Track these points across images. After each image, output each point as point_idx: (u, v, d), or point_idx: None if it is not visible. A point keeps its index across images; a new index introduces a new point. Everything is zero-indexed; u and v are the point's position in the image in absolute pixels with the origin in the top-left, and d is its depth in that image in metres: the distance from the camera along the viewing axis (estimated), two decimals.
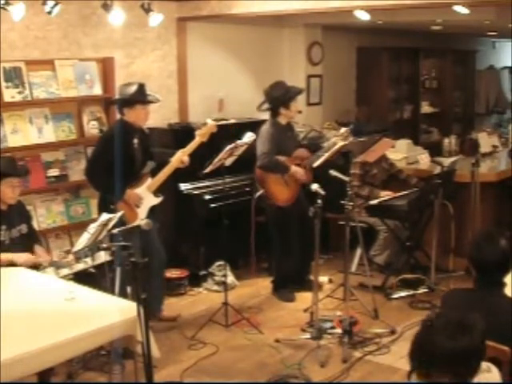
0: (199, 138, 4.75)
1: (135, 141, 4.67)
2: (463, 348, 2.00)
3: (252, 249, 5.58)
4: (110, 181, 4.48)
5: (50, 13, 4.64)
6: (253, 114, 6.68)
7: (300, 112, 5.30)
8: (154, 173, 4.78)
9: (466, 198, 5.61)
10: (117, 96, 4.84)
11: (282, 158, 5.25)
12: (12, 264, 4.00)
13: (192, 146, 4.76)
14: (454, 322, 2.06)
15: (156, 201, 4.77)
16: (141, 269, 3.01)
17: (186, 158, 4.75)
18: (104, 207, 4.46)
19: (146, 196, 4.70)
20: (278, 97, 5.23)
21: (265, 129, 5.27)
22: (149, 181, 4.73)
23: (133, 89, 4.61)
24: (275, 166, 5.22)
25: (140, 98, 4.62)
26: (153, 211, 4.74)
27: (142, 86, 4.64)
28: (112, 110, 5.47)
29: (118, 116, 4.92)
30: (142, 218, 4.50)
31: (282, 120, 5.31)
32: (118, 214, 3.98)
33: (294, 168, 5.27)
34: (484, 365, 2.09)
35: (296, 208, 5.30)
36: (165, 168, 4.74)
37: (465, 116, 10.81)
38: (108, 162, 4.48)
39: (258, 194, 5.38)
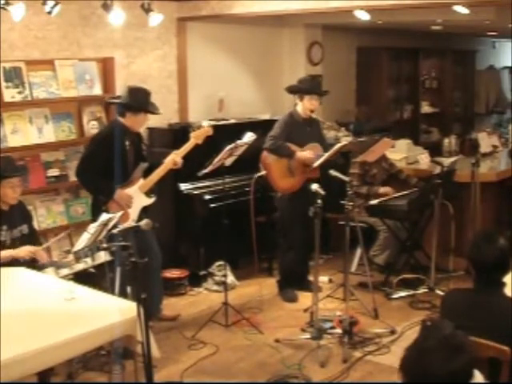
0: (194, 140, 4.75)
1: (127, 142, 4.64)
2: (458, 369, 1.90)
3: (254, 248, 5.56)
4: (100, 181, 4.49)
5: (50, 13, 4.64)
6: (253, 114, 6.70)
7: (312, 111, 5.32)
8: (147, 173, 4.75)
9: (466, 198, 5.61)
10: (124, 99, 4.66)
11: (291, 146, 5.28)
12: (13, 262, 4.01)
13: (186, 147, 4.74)
14: (447, 342, 1.93)
15: (148, 201, 4.74)
16: (141, 269, 3.01)
17: (180, 160, 4.72)
18: (97, 209, 4.44)
19: (137, 196, 4.67)
20: (299, 86, 5.38)
21: (282, 116, 5.42)
22: (141, 181, 4.71)
23: (141, 96, 4.61)
24: (280, 148, 5.23)
25: (149, 108, 4.63)
26: (145, 211, 4.71)
27: (149, 95, 4.66)
28: (112, 109, 5.46)
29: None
30: (133, 219, 4.50)
31: (302, 112, 5.34)
32: (119, 214, 3.99)
33: (299, 153, 5.26)
34: None
35: (300, 203, 5.25)
36: (158, 169, 4.72)
37: (465, 116, 10.81)
38: (99, 162, 4.48)
39: (259, 174, 5.36)
